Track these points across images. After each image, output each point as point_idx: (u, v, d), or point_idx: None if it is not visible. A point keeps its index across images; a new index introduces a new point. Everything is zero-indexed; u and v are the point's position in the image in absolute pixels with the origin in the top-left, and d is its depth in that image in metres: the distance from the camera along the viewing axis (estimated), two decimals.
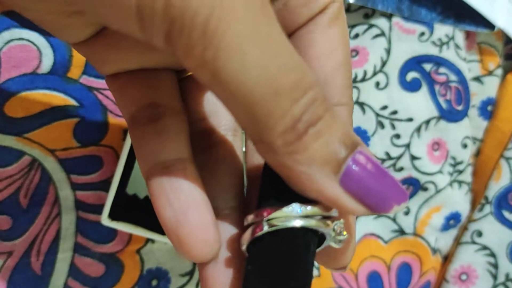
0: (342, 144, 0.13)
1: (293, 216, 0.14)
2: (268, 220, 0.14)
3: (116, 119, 0.31)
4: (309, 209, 0.14)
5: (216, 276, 0.16)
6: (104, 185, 0.32)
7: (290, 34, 0.17)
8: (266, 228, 0.14)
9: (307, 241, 0.15)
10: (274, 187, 0.15)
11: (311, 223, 0.14)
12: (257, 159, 0.18)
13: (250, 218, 0.15)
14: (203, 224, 0.15)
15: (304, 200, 0.14)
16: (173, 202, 0.15)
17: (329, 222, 0.15)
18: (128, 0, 0.12)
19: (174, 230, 0.15)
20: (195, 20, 0.11)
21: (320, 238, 0.15)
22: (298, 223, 0.14)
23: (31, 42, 0.29)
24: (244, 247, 0.15)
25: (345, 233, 0.15)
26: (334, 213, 0.15)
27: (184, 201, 0.15)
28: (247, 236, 0.15)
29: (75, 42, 0.17)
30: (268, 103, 0.12)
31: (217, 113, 0.18)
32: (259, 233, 0.14)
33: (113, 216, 0.28)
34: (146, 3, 0.12)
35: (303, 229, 0.14)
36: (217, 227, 0.15)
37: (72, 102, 0.30)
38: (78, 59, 0.30)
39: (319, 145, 0.13)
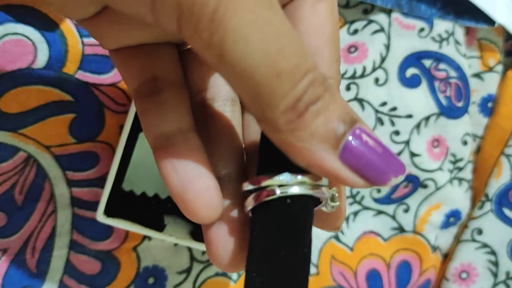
0: (341, 120, 0.14)
1: (288, 184, 0.15)
2: (264, 187, 0.15)
3: (113, 115, 0.31)
4: (299, 178, 0.15)
5: (219, 236, 0.17)
6: (101, 182, 0.31)
7: None
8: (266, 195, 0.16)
9: (308, 207, 0.16)
10: (272, 157, 0.16)
11: (311, 191, 0.15)
12: (253, 131, 0.19)
13: (246, 185, 0.16)
14: (206, 188, 0.16)
15: (298, 169, 0.15)
16: (178, 170, 0.16)
17: (324, 189, 0.16)
18: None
19: (181, 195, 0.16)
20: (204, 8, 0.12)
21: (315, 204, 0.16)
22: (300, 190, 0.15)
23: (26, 36, 0.28)
24: (248, 209, 0.16)
25: (337, 200, 0.16)
26: (324, 182, 0.16)
27: (189, 169, 0.16)
28: (250, 201, 0.16)
29: (79, 19, 0.17)
30: (270, 84, 0.13)
31: (216, 84, 0.19)
32: (266, 199, 0.15)
33: (108, 212, 0.28)
34: None
35: (304, 196, 0.15)
36: (219, 191, 0.17)
37: (68, 97, 0.30)
38: (74, 54, 0.30)
39: (319, 122, 0.14)
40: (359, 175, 0.14)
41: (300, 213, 0.16)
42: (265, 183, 0.16)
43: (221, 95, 0.19)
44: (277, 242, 0.15)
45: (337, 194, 0.16)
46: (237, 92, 0.14)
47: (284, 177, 0.15)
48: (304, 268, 0.16)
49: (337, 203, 0.16)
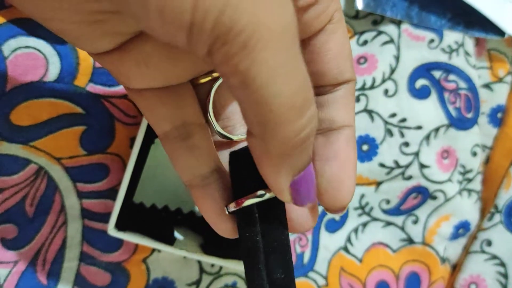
0: (307, 160, 0.17)
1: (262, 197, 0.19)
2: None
3: (123, 127, 0.31)
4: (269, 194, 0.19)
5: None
6: (111, 193, 0.31)
7: (302, 41, 0.19)
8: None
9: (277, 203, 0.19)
10: (244, 177, 0.19)
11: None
12: None
13: (232, 206, 0.19)
14: (222, 225, 0.20)
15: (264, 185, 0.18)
16: (213, 204, 0.20)
17: None
18: (183, 18, 0.14)
19: (217, 223, 0.20)
20: (238, 38, 0.14)
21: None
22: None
23: (38, 50, 0.28)
24: (230, 210, 0.20)
25: None
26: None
27: (221, 205, 0.20)
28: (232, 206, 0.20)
29: (95, 52, 0.18)
30: (282, 114, 0.15)
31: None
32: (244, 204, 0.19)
33: (120, 226, 0.28)
34: (198, 21, 0.14)
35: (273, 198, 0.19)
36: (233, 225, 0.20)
37: (78, 110, 0.30)
38: (85, 67, 0.30)
39: (299, 158, 0.16)
40: (291, 196, 0.18)
41: (273, 208, 0.19)
42: (246, 203, 0.19)
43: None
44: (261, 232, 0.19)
45: None
46: (246, 112, 0.16)
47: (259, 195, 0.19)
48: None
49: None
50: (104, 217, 0.31)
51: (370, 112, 0.36)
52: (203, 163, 0.20)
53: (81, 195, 0.31)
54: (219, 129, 0.21)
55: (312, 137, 0.16)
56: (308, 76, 0.15)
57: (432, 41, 0.36)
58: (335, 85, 0.20)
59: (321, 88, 0.20)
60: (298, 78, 0.15)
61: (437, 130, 0.36)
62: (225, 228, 0.20)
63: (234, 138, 0.21)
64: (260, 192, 0.19)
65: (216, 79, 0.21)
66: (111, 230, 0.27)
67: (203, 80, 0.21)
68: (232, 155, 0.20)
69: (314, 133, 0.16)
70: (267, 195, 0.19)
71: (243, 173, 0.19)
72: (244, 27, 0.14)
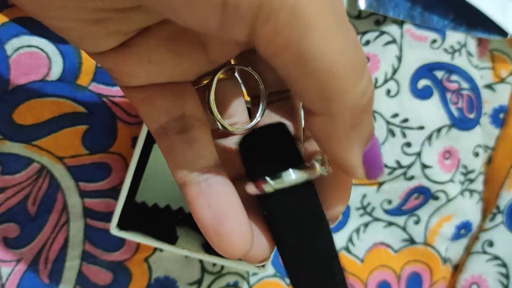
0: (372, 129, 0.16)
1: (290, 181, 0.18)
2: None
3: (125, 127, 0.31)
4: (300, 174, 0.18)
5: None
6: (113, 193, 0.31)
7: None
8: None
9: (310, 185, 0.18)
10: (259, 158, 0.18)
11: (307, 174, 0.18)
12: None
13: (251, 189, 0.18)
14: (240, 223, 0.17)
15: (288, 161, 0.17)
16: (212, 205, 0.17)
17: (315, 164, 0.18)
18: None
19: (215, 229, 0.17)
20: (284, 6, 0.12)
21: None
22: (300, 178, 0.18)
23: (41, 49, 0.29)
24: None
25: (327, 162, 0.18)
26: (321, 171, 0.18)
27: (222, 203, 0.17)
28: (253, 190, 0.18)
29: (97, 51, 0.17)
30: (345, 78, 0.14)
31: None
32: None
33: (122, 225, 0.28)
34: None
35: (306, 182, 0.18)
36: (251, 226, 0.17)
37: (81, 109, 0.30)
38: (88, 66, 0.30)
39: (365, 126, 0.16)
40: (364, 170, 0.17)
41: (306, 192, 0.18)
42: (268, 187, 0.17)
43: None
44: (299, 219, 0.18)
45: (324, 158, 0.18)
46: (305, 90, 0.14)
47: (287, 176, 0.17)
48: (330, 232, 0.18)
49: (328, 167, 0.18)
50: (106, 216, 0.31)
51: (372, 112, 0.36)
52: (202, 157, 0.18)
53: (83, 194, 0.31)
54: (219, 119, 0.19)
55: (372, 104, 0.15)
56: (358, 39, 0.15)
57: (434, 41, 0.36)
58: None
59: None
60: (351, 38, 0.14)
61: (439, 130, 0.36)
62: (246, 231, 0.17)
63: (236, 131, 0.20)
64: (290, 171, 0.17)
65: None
66: (113, 229, 0.27)
67: (205, 82, 0.20)
68: (245, 139, 0.18)
69: (373, 100, 0.16)
70: (300, 176, 0.17)
71: (262, 156, 0.18)
72: None
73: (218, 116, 0.19)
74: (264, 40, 0.13)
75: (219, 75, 0.19)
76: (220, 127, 0.20)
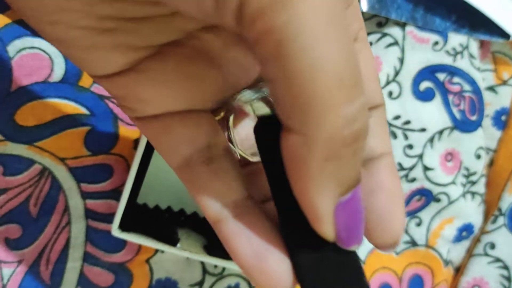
0: (356, 176, 0.14)
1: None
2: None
3: (127, 128, 0.31)
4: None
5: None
6: (114, 194, 0.31)
7: None
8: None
9: None
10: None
11: None
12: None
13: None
14: (282, 258, 0.16)
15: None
16: (252, 240, 0.16)
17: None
18: None
19: (258, 267, 0.16)
20: None
21: None
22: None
23: (43, 50, 0.29)
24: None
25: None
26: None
27: (263, 240, 0.16)
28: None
29: (104, 73, 0.16)
30: (328, 91, 0.12)
31: None
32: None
33: (123, 227, 0.28)
34: None
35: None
36: (289, 263, 0.16)
37: (83, 110, 0.30)
38: None
39: (346, 166, 0.13)
40: (334, 230, 0.14)
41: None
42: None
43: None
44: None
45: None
46: (281, 96, 0.12)
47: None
48: None
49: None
50: (108, 218, 0.31)
51: None
52: (234, 189, 0.16)
53: (85, 195, 0.31)
54: (239, 149, 0.18)
55: (364, 138, 0.13)
56: (356, 53, 0.12)
57: (436, 43, 0.36)
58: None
59: None
60: (347, 47, 0.12)
61: (441, 132, 0.36)
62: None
63: (256, 159, 0.19)
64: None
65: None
66: (115, 231, 0.27)
67: (219, 116, 0.18)
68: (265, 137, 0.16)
69: (365, 137, 0.13)
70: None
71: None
72: None
73: (236, 144, 0.18)
74: (248, 21, 0.12)
75: (238, 100, 0.18)
76: (239, 156, 0.19)
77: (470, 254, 0.39)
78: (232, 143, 0.18)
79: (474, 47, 0.38)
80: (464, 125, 0.37)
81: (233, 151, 0.18)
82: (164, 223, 0.31)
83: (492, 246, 0.38)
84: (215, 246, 0.30)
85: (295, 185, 0.14)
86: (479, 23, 0.37)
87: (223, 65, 0.17)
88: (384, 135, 0.18)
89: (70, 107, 0.30)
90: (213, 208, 0.16)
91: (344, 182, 0.13)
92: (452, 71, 0.37)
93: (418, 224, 0.37)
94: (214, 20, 0.13)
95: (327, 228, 0.14)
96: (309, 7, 0.11)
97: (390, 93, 0.36)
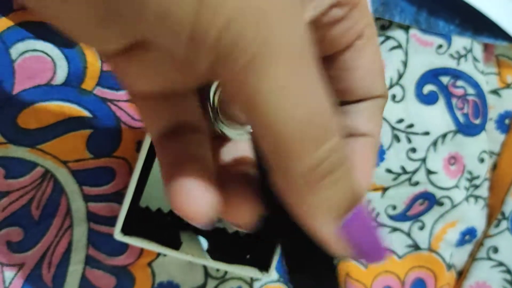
0: (348, 197, 0.15)
1: None
2: None
3: (130, 131, 0.31)
4: None
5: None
6: (117, 197, 0.31)
7: (329, 56, 0.18)
8: None
9: None
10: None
11: None
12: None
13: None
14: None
15: None
16: (184, 187, 0.16)
17: None
18: (183, 26, 0.12)
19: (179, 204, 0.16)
20: (244, 53, 0.12)
21: None
22: None
23: (46, 53, 0.28)
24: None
25: None
26: None
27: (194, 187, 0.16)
28: None
29: (106, 52, 0.17)
30: (291, 144, 0.13)
31: None
32: None
33: (126, 230, 0.28)
34: (199, 33, 0.12)
35: None
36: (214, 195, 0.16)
37: (85, 113, 0.30)
38: (93, 71, 0.30)
39: (330, 194, 0.14)
40: (347, 249, 0.15)
41: None
42: None
43: None
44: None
45: None
46: (257, 139, 0.14)
47: None
48: None
49: None
50: (110, 221, 0.31)
51: None
52: (196, 159, 0.17)
53: (87, 198, 0.31)
54: (220, 123, 0.19)
55: (341, 169, 0.14)
56: (328, 103, 0.14)
57: (440, 46, 0.36)
58: (360, 101, 0.19)
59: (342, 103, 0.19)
60: (313, 103, 0.13)
61: (444, 136, 0.36)
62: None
63: (234, 136, 0.19)
64: None
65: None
66: (117, 234, 0.27)
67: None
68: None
69: (344, 165, 0.14)
70: None
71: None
72: (251, 42, 0.12)
73: (217, 119, 0.19)
74: (221, 78, 0.13)
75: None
76: (220, 131, 0.19)
77: (473, 258, 0.39)
78: (213, 116, 0.19)
79: (478, 50, 0.37)
80: (467, 129, 0.37)
81: (212, 125, 0.19)
82: (167, 227, 0.31)
83: (495, 250, 0.38)
84: (217, 250, 0.30)
85: (294, 213, 0.15)
86: (483, 26, 0.37)
87: None
88: (374, 121, 0.19)
89: (73, 110, 0.30)
90: (165, 172, 0.17)
91: (336, 207, 0.14)
92: (456, 75, 0.37)
93: (421, 228, 0.37)
94: (185, 60, 0.14)
95: (339, 249, 0.15)
96: (277, 70, 0.13)
97: (394, 96, 0.36)
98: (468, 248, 0.39)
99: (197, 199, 0.16)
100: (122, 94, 0.31)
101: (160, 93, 0.18)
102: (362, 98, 0.19)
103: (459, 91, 0.37)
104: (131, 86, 0.18)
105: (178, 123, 0.18)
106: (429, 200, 0.37)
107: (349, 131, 0.19)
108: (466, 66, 0.37)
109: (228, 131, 0.19)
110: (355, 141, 0.19)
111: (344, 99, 0.19)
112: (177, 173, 0.17)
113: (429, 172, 0.36)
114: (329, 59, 0.18)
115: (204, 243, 0.31)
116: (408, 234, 0.37)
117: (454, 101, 0.37)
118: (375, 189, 0.36)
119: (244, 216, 0.17)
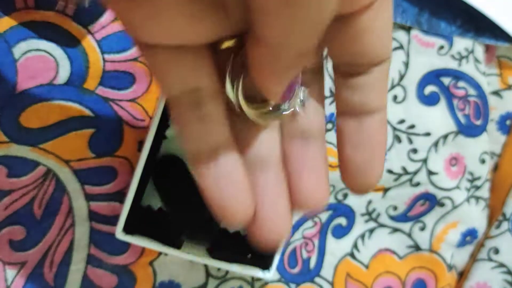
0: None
1: None
2: None
3: (132, 130, 0.31)
4: None
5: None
6: (118, 196, 0.31)
7: (348, 16, 0.18)
8: None
9: None
10: None
11: None
12: None
13: None
14: (245, 202, 0.18)
15: None
16: (220, 186, 0.17)
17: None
18: None
19: (222, 211, 0.18)
20: None
21: None
22: None
23: (48, 53, 0.29)
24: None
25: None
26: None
27: (231, 186, 0.18)
28: None
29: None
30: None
31: None
32: None
33: (127, 229, 0.28)
34: None
35: None
36: (253, 204, 0.18)
37: (88, 113, 0.30)
38: (95, 70, 0.30)
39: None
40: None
41: None
42: None
43: None
44: None
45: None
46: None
47: None
48: None
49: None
50: (112, 220, 0.31)
51: None
52: (214, 135, 0.18)
53: (89, 197, 0.31)
54: (235, 96, 0.18)
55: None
56: None
57: (441, 47, 0.36)
58: (371, 65, 0.18)
59: (354, 67, 0.18)
60: None
61: (445, 137, 0.36)
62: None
63: (260, 119, 0.19)
64: None
65: (239, 47, 0.18)
66: (119, 233, 0.27)
67: (225, 46, 0.18)
68: None
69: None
70: None
71: None
72: None
73: (234, 94, 0.18)
74: None
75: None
76: (238, 108, 0.19)
77: (473, 259, 0.39)
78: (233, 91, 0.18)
79: (479, 51, 0.37)
80: (468, 130, 0.37)
81: (229, 98, 0.18)
82: (168, 226, 0.31)
83: (496, 251, 0.38)
84: (219, 249, 0.30)
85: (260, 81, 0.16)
86: (484, 28, 0.37)
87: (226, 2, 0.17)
88: (382, 92, 0.19)
89: (75, 109, 0.30)
90: (191, 149, 0.18)
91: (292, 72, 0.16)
92: (457, 76, 0.37)
93: (422, 229, 0.37)
94: None
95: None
96: None
97: (395, 97, 0.36)
98: (469, 249, 0.39)
99: (236, 202, 0.17)
100: (124, 94, 0.31)
101: (174, 50, 0.17)
102: (374, 62, 0.18)
103: (461, 92, 0.37)
104: (138, 35, 0.17)
105: (192, 91, 0.18)
106: (430, 200, 0.37)
107: (360, 109, 0.19)
108: (467, 67, 0.37)
109: (248, 110, 0.19)
110: (372, 119, 0.19)
111: (356, 62, 0.18)
112: (205, 160, 0.18)
113: (430, 172, 0.36)
114: (347, 19, 0.17)
115: (205, 242, 0.31)
116: (409, 235, 0.37)
117: (455, 102, 0.37)
118: (376, 190, 0.36)
119: None
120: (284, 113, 0.19)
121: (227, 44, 0.18)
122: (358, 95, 0.19)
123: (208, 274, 0.33)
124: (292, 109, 0.19)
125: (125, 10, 0.16)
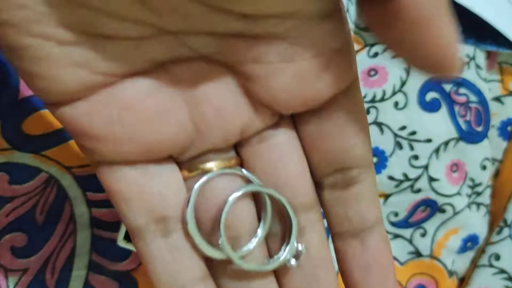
0: None
1: None
2: None
3: None
4: None
5: None
6: None
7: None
8: None
9: None
10: None
11: None
12: None
13: None
14: None
15: None
16: None
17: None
18: None
19: None
20: None
21: None
22: None
23: None
24: None
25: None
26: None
27: None
28: None
29: (55, 97, 0.14)
30: None
31: None
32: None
33: (129, 237, 0.28)
34: None
35: None
36: None
37: None
38: None
39: None
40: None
41: None
42: None
43: None
44: None
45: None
46: None
47: None
48: None
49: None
50: (113, 226, 0.31)
51: (379, 125, 0.36)
52: (188, 269, 0.16)
53: (90, 204, 0.31)
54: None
55: None
56: None
57: None
58: (358, 168, 0.17)
59: (345, 171, 0.17)
60: None
61: (446, 143, 0.36)
62: None
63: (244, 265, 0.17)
64: None
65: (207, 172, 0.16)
66: (121, 241, 0.27)
67: (191, 174, 0.16)
68: None
69: None
70: None
71: None
72: None
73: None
74: None
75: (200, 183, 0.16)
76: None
77: (474, 265, 0.39)
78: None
79: (480, 57, 0.37)
80: (470, 136, 0.37)
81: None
82: None
83: (497, 257, 0.38)
84: None
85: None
86: (486, 34, 0.37)
87: (193, 105, 0.15)
88: (376, 201, 0.18)
89: None
90: (165, 286, 0.16)
91: None
92: (458, 82, 0.37)
93: (423, 235, 0.37)
94: None
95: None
96: None
97: (396, 104, 0.36)
98: (469, 255, 0.39)
99: None
100: None
101: (134, 167, 0.16)
102: (359, 165, 0.17)
103: (462, 99, 0.37)
104: (98, 151, 0.16)
105: (160, 219, 0.16)
106: (431, 207, 0.37)
107: (359, 226, 0.18)
108: (468, 74, 0.37)
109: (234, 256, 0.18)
110: (371, 237, 0.17)
111: (344, 164, 0.17)
112: None
113: (431, 179, 0.36)
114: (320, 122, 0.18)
115: None
116: (410, 241, 0.37)
117: (456, 108, 0.37)
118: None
119: None
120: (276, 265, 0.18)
121: (193, 173, 0.17)
122: (354, 210, 0.17)
123: None
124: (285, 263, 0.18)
125: (80, 120, 0.15)
